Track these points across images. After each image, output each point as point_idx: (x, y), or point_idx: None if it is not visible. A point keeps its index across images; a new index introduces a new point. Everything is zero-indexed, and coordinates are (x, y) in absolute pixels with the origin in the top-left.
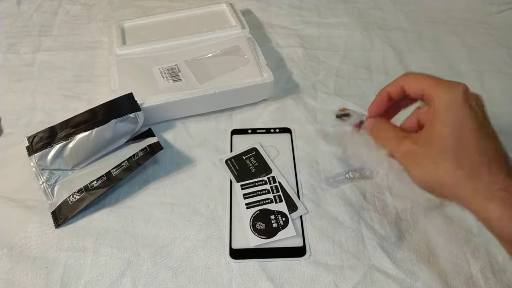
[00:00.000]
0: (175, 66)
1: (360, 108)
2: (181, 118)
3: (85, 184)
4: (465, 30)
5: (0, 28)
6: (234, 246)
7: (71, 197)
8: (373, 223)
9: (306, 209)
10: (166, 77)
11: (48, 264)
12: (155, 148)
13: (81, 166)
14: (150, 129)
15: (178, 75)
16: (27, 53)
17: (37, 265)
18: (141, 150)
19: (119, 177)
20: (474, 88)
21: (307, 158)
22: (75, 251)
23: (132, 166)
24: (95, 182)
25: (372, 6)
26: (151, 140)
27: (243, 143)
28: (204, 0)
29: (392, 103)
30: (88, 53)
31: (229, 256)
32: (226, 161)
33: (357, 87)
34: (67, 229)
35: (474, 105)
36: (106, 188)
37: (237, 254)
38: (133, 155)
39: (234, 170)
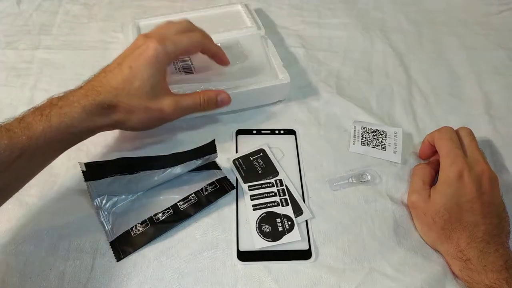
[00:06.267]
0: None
1: (363, 110)
2: (186, 118)
3: (149, 216)
4: (464, 31)
5: None
6: (241, 248)
7: (134, 228)
8: (374, 228)
9: (311, 213)
10: (180, 70)
11: (51, 267)
12: (226, 186)
13: (140, 192)
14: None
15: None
16: (26, 49)
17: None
18: (210, 184)
19: (188, 213)
20: (472, 90)
21: (312, 161)
22: (78, 252)
23: (202, 202)
24: (160, 214)
25: (372, 7)
26: (217, 174)
27: (248, 144)
28: (205, 0)
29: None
30: (89, 52)
31: (236, 258)
32: (234, 161)
33: (358, 89)
34: None
35: (468, 181)
36: (174, 223)
37: (245, 256)
38: (201, 190)
39: (241, 170)
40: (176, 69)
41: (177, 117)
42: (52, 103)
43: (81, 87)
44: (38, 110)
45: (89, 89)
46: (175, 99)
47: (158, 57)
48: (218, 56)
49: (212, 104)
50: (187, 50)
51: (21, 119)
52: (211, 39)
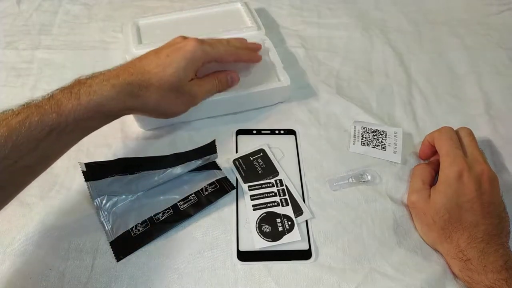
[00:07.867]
0: None
1: (363, 110)
2: (186, 118)
3: (149, 216)
4: (464, 31)
5: None
6: (241, 248)
7: (134, 228)
8: (374, 228)
9: (311, 213)
10: None
11: (51, 267)
12: (226, 186)
13: (140, 192)
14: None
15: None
16: (26, 49)
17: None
18: (210, 184)
19: (188, 213)
20: (472, 90)
21: (312, 161)
22: (78, 252)
23: (203, 202)
24: (160, 214)
25: (373, 7)
26: (217, 174)
27: (248, 144)
28: (208, 0)
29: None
30: (89, 52)
31: (236, 258)
32: (234, 161)
33: (358, 89)
34: None
35: (468, 181)
36: (174, 223)
37: (245, 256)
38: (201, 190)
39: (241, 170)
40: None
41: (202, 99)
42: (80, 82)
43: (111, 69)
44: (66, 89)
45: (121, 70)
46: (199, 83)
47: (196, 53)
48: (252, 59)
49: (224, 83)
50: (222, 56)
51: (50, 97)
52: (243, 48)
